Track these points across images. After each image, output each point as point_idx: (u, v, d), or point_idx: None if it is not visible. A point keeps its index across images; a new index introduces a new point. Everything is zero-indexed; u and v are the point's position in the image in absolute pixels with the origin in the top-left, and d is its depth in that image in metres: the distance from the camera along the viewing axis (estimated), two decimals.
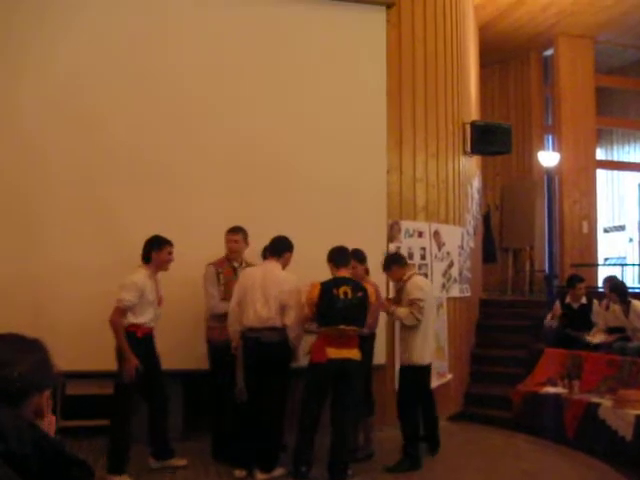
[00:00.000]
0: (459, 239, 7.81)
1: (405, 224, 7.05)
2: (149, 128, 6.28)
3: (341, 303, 5.07)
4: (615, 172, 14.77)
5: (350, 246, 5.89)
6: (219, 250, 5.76)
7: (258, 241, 5.73)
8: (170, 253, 5.31)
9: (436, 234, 7.26)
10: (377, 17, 7.05)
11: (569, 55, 12.30)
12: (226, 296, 5.52)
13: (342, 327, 5.04)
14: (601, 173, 13.63)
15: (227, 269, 5.65)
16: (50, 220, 6.05)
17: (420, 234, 7.15)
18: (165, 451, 5.47)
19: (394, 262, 5.93)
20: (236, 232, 5.67)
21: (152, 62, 6.35)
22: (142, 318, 5.16)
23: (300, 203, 6.51)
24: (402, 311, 5.63)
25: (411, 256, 7.01)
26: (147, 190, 6.23)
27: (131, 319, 5.11)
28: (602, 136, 14.42)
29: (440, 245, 7.17)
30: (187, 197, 6.27)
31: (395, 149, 7.10)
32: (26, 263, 5.96)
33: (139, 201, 6.20)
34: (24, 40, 6.09)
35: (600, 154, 14.22)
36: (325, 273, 5.33)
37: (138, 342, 5.13)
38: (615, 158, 14.78)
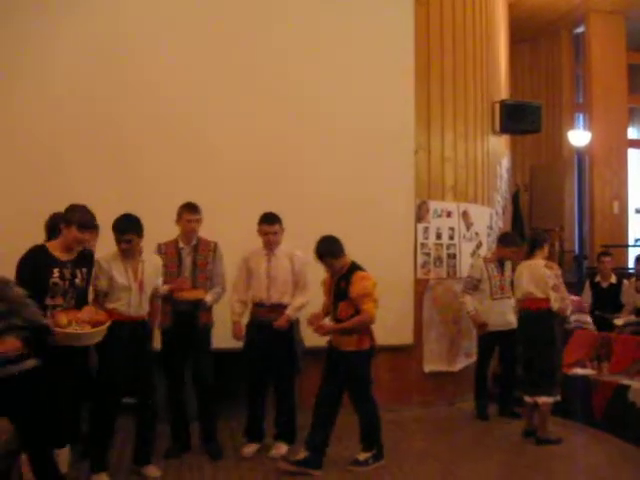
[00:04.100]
0: (488, 219, 7.76)
1: (433, 204, 7.00)
2: (152, 123, 6.11)
3: None
4: None
5: (378, 226, 5.89)
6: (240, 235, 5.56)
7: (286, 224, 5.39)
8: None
9: (465, 214, 7.21)
10: None
11: (600, 32, 12.09)
12: (166, 279, 5.04)
13: None
14: (633, 152, 13.39)
15: (171, 250, 5.21)
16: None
17: (449, 214, 7.10)
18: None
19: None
20: (198, 211, 5.18)
21: (155, 55, 6.16)
22: None
23: (329, 184, 6.44)
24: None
25: (439, 236, 6.98)
26: (155, 188, 6.03)
27: None
28: (634, 115, 14.14)
29: (469, 225, 7.13)
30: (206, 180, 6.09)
31: (423, 129, 7.03)
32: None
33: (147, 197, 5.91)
34: (24, 38, 5.95)
35: (632, 133, 13.98)
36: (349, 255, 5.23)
37: None
38: None
